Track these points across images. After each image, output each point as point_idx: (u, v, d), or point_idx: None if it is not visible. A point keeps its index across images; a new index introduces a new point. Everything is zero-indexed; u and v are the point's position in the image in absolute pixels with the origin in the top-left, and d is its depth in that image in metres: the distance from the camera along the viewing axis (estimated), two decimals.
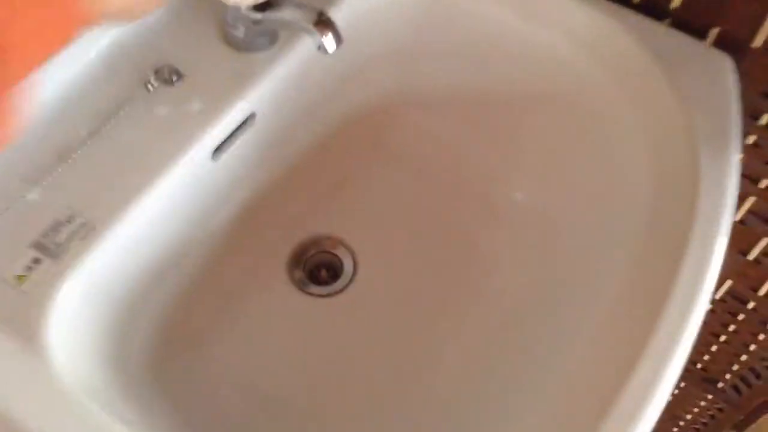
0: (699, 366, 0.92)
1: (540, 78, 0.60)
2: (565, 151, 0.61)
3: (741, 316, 0.80)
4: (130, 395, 0.49)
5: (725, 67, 0.55)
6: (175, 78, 0.53)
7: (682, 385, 0.97)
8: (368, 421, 0.57)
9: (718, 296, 0.80)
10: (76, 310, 0.46)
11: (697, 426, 1.04)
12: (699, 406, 0.99)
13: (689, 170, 0.51)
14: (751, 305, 0.78)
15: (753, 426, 0.94)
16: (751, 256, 0.72)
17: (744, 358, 0.85)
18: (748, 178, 0.66)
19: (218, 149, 0.53)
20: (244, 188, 0.59)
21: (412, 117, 0.66)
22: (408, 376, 0.59)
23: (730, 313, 0.81)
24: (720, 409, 0.97)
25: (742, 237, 0.71)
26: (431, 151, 0.66)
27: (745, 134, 0.63)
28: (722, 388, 0.93)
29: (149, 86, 0.52)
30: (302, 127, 0.61)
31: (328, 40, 0.51)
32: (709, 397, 0.95)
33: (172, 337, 0.55)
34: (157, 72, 0.53)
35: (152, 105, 0.51)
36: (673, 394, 1.02)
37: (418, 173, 0.66)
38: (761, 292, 0.75)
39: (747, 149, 0.64)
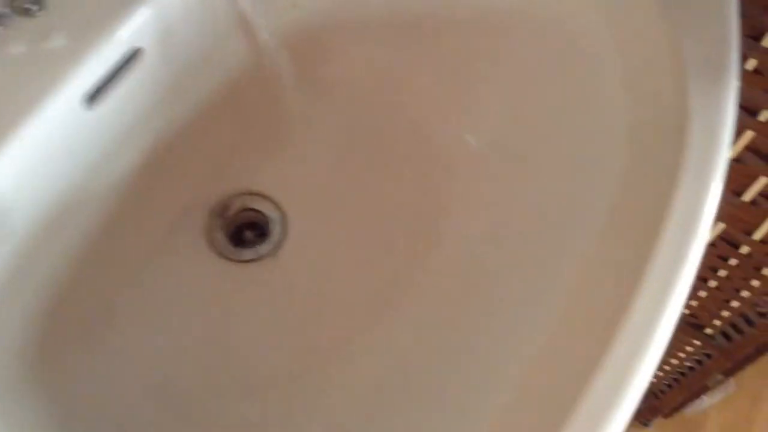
0: (687, 311, 0.85)
1: None
2: (528, 83, 0.51)
3: (733, 261, 0.72)
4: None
5: None
6: (34, 7, 0.42)
7: None
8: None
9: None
10: None
11: (682, 371, 0.98)
12: (685, 351, 0.93)
13: (676, 105, 0.42)
14: (744, 250, 0.70)
15: (742, 372, 0.88)
16: (747, 197, 0.63)
17: (735, 304, 0.78)
18: (746, 109, 0.56)
19: (96, 94, 0.43)
20: (139, 141, 0.49)
21: (343, 46, 0.55)
22: (351, 349, 0.52)
23: (720, 257, 0.73)
24: (708, 355, 0.90)
25: (737, 176, 0.62)
26: (369, 86, 0.56)
27: (744, 58, 0.53)
28: (711, 334, 0.86)
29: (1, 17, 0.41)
30: (207, 63, 0.51)
31: None
32: (697, 342, 0.89)
33: (57, 326, 0.46)
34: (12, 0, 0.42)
35: (4, 42, 0.41)
36: None
37: (353, 115, 0.56)
38: (756, 236, 0.67)
39: (745, 76, 0.54)
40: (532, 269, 0.49)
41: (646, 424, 1.13)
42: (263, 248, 0.54)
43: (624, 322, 0.37)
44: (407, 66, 0.54)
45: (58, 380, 0.45)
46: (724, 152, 0.41)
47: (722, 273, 0.75)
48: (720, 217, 0.68)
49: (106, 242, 0.49)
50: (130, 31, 0.43)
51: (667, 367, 1.00)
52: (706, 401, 1.05)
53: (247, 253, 0.54)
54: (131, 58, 0.44)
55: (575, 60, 0.49)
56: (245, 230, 0.55)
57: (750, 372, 0.93)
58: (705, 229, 0.40)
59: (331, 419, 0.49)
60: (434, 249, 0.54)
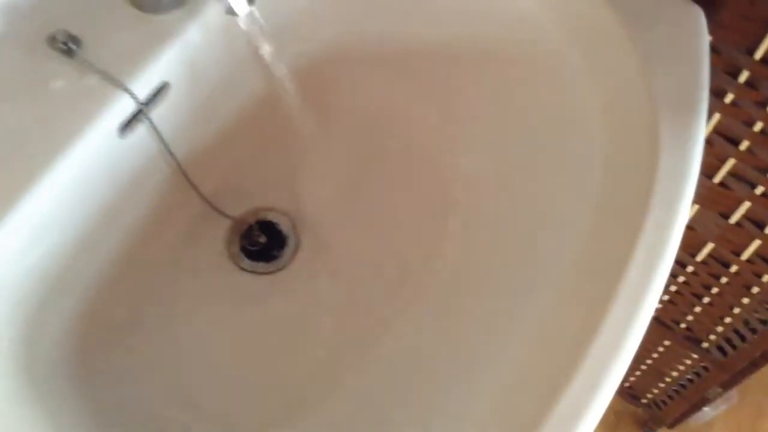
0: (683, 326, 0.88)
1: (490, 32, 0.54)
2: (514, 111, 0.55)
3: (724, 279, 0.75)
4: (39, 396, 0.46)
5: (696, 21, 0.48)
6: (72, 45, 0.47)
7: (667, 343, 0.93)
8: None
9: (699, 259, 0.75)
10: None
11: (682, 383, 1.01)
12: (684, 364, 0.96)
13: (647, 139, 0.46)
14: (734, 269, 0.73)
15: (740, 386, 0.91)
16: (733, 220, 0.67)
17: (728, 320, 0.81)
18: (728, 139, 0.60)
19: (128, 124, 0.48)
20: (164, 163, 0.54)
21: (347, 76, 0.60)
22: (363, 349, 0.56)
23: (712, 275, 0.76)
24: (705, 368, 0.93)
25: (723, 200, 0.65)
26: (371, 112, 0.60)
27: (723, 93, 0.57)
28: (706, 348, 0.89)
29: (42, 57, 0.47)
30: (226, 92, 0.56)
31: (238, 2, 0.45)
32: (694, 356, 0.92)
33: (92, 329, 0.51)
34: (51, 40, 0.47)
35: (46, 78, 0.46)
36: (657, 352, 0.99)
37: (358, 138, 0.61)
38: (744, 257, 0.70)
39: (725, 109, 0.57)
40: (515, 280, 0.53)
41: None
42: (280, 261, 0.59)
43: (594, 339, 0.40)
44: (405, 94, 0.59)
45: (92, 380, 0.50)
46: (693, 180, 0.45)
47: (715, 290, 0.78)
48: (709, 237, 0.71)
49: (135, 254, 0.54)
50: (159, 66, 0.48)
51: (667, 379, 1.03)
52: (709, 413, 1.07)
53: (265, 266, 0.59)
54: (159, 90, 0.49)
55: (555, 91, 0.53)
56: (262, 243, 0.59)
57: (753, 385, 0.96)
58: (673, 248, 0.43)
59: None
60: (437, 258, 0.58)
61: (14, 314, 0.45)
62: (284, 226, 0.60)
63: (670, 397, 1.06)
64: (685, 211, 0.43)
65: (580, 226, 0.48)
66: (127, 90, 0.46)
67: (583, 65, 0.49)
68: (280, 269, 0.59)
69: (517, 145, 0.55)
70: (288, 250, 0.59)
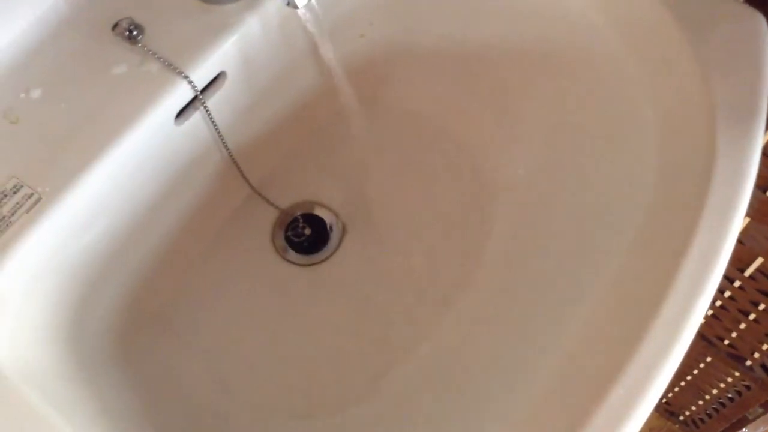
0: (726, 342, 0.87)
1: (546, 35, 0.54)
2: (567, 118, 0.55)
3: None
4: (85, 375, 0.47)
5: (757, 26, 0.47)
6: (135, 32, 0.48)
7: (708, 359, 0.92)
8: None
9: (747, 273, 0.73)
10: (24, 288, 0.43)
11: (722, 401, 0.98)
12: (725, 382, 0.94)
13: (703, 146, 0.45)
14: None
15: None
16: None
17: None
18: None
19: (183, 111, 0.49)
20: (216, 153, 0.55)
21: (402, 73, 0.60)
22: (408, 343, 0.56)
23: (760, 291, 0.75)
24: (747, 387, 0.91)
25: None
26: (423, 111, 0.61)
27: None
28: (750, 366, 0.87)
29: (106, 43, 0.48)
30: (281, 84, 0.56)
31: None
32: (736, 374, 0.90)
33: (137, 312, 0.53)
34: (115, 26, 0.48)
35: (109, 63, 0.47)
36: (698, 368, 0.97)
37: (407, 135, 0.61)
38: None
39: None
40: (560, 286, 0.53)
41: None
42: (323, 253, 0.60)
43: (635, 353, 0.40)
44: (458, 94, 0.59)
45: (133, 357, 0.51)
46: (747, 191, 0.44)
47: (762, 306, 0.77)
48: (758, 251, 0.70)
49: (182, 240, 0.55)
50: (218, 56, 0.49)
51: (707, 397, 1.01)
52: None
53: (308, 258, 0.59)
54: (216, 79, 0.50)
55: (610, 97, 0.53)
56: (306, 238, 0.60)
57: None
58: (723, 261, 0.42)
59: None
60: (478, 267, 0.58)
61: (69, 290, 0.47)
62: (329, 219, 0.61)
63: (708, 415, 1.04)
64: (738, 222, 0.42)
65: (630, 233, 0.47)
66: (186, 78, 0.47)
67: (640, 70, 0.49)
68: (323, 261, 0.59)
69: (569, 151, 0.54)
70: (332, 244, 0.60)
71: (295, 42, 0.55)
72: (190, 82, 0.47)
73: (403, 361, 0.54)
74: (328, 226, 0.60)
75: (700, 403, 1.03)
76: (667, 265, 0.42)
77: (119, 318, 0.52)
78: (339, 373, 0.55)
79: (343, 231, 0.60)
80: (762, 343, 0.82)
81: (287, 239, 0.60)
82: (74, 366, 0.46)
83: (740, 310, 0.79)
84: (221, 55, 0.49)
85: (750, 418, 0.97)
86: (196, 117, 0.50)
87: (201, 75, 0.48)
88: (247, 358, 0.55)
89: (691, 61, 0.46)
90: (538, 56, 0.55)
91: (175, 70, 0.47)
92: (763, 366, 0.85)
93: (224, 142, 0.54)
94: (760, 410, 0.94)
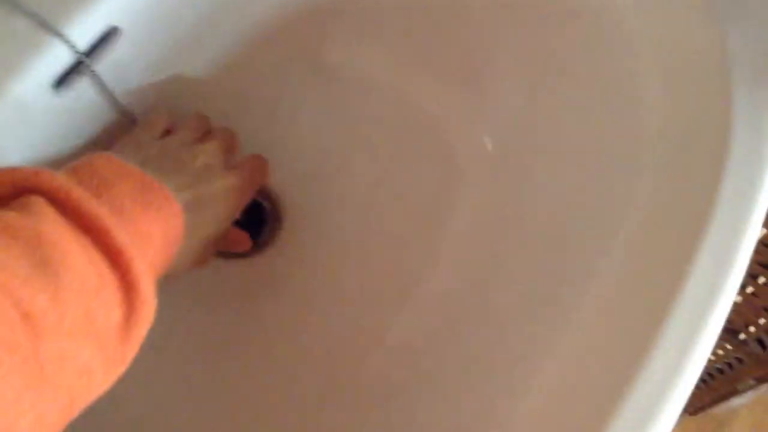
0: None
1: None
2: (553, 77, 0.46)
3: None
4: None
5: None
6: None
7: None
8: None
9: None
10: None
11: (711, 372, 0.93)
12: (716, 354, 0.88)
13: (716, 115, 0.36)
14: None
15: None
16: None
17: None
18: None
19: (65, 78, 0.39)
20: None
21: (350, 32, 0.50)
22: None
23: (760, 264, 0.67)
24: (739, 359, 0.85)
25: None
26: (378, 76, 0.50)
27: None
28: (744, 339, 0.80)
29: None
30: (197, 39, 0.46)
31: None
32: (728, 346, 0.84)
33: None
34: None
35: None
36: None
37: (360, 104, 0.51)
38: None
39: None
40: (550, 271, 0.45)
41: None
42: (261, 238, 0.51)
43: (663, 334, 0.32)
44: (418, 54, 0.49)
45: None
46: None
47: (762, 279, 0.70)
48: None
49: None
50: (106, 7, 0.39)
51: None
52: (736, 402, 1.01)
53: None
54: (105, 37, 0.40)
55: (607, 51, 0.44)
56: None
57: None
58: (752, 237, 0.35)
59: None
60: (442, 243, 0.50)
61: None
62: (263, 201, 0.51)
63: (696, 386, 0.98)
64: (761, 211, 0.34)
65: (631, 221, 0.39)
66: (61, 36, 0.37)
67: (641, 22, 0.40)
68: (258, 253, 0.50)
69: (555, 119, 0.45)
70: (267, 229, 0.51)
71: None
72: (67, 42, 0.37)
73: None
74: (264, 208, 0.51)
75: None
76: (677, 260, 0.35)
77: None
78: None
79: (282, 213, 0.51)
80: (759, 317, 0.75)
81: None
82: None
83: None
84: (111, 6, 0.39)
85: (740, 389, 0.93)
86: (83, 85, 0.40)
87: (84, 32, 0.38)
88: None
89: (701, 12, 0.37)
90: (516, 2, 0.45)
91: (48, 26, 0.37)
92: (758, 340, 0.78)
93: (126, 113, 0.44)
94: (752, 383, 0.89)
